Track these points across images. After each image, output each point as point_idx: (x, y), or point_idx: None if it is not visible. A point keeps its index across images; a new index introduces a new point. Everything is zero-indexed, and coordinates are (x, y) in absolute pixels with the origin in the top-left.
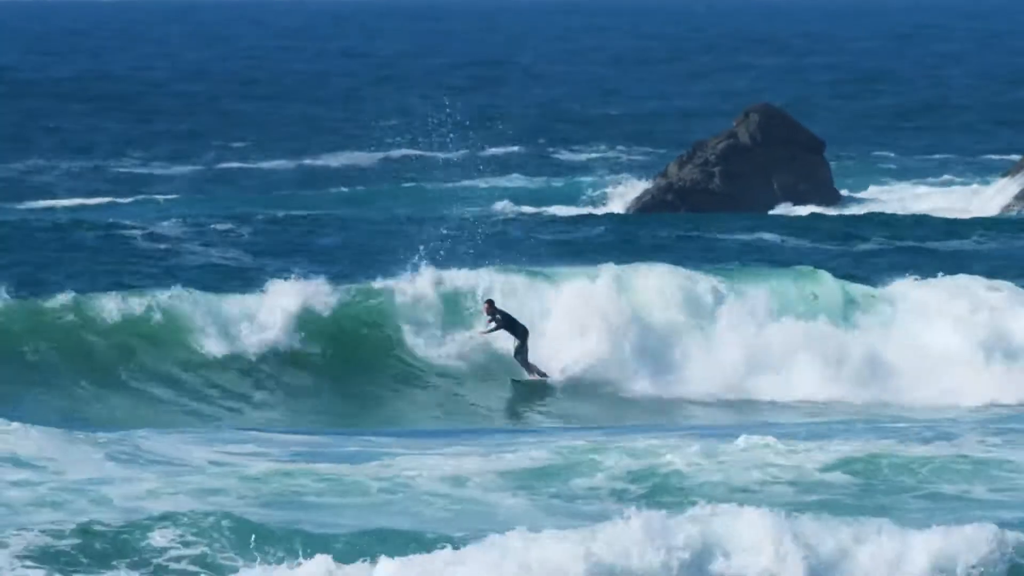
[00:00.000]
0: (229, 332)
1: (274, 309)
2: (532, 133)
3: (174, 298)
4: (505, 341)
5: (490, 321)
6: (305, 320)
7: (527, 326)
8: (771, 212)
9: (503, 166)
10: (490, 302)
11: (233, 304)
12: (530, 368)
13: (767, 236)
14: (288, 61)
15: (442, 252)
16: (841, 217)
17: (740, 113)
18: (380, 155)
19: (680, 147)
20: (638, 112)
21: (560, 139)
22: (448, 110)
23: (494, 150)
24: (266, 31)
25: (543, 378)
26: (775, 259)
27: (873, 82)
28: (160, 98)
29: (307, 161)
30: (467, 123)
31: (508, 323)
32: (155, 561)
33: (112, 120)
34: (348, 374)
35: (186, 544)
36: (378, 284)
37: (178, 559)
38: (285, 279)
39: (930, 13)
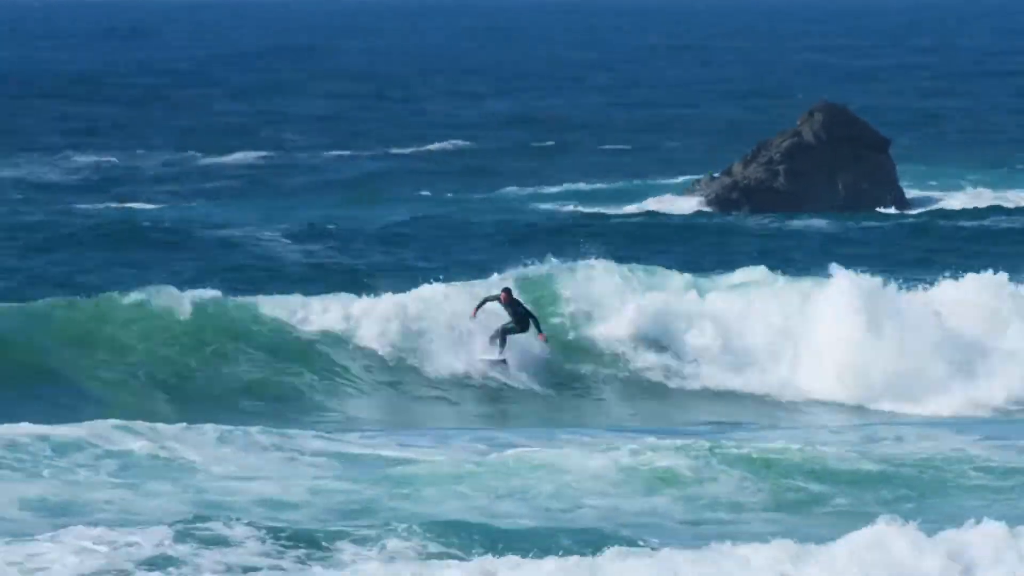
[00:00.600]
0: (346, 333)
1: (392, 309)
2: (581, 134)
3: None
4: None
5: (510, 304)
6: (426, 319)
7: (531, 324)
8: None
9: (557, 168)
10: (507, 290)
11: (341, 304)
12: (495, 348)
13: (860, 235)
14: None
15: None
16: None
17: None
18: (430, 155)
19: (731, 145)
20: (681, 112)
21: (610, 140)
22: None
23: (538, 149)
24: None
25: (500, 361)
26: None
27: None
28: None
29: (368, 159)
30: (510, 125)
31: (523, 313)
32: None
33: (178, 117)
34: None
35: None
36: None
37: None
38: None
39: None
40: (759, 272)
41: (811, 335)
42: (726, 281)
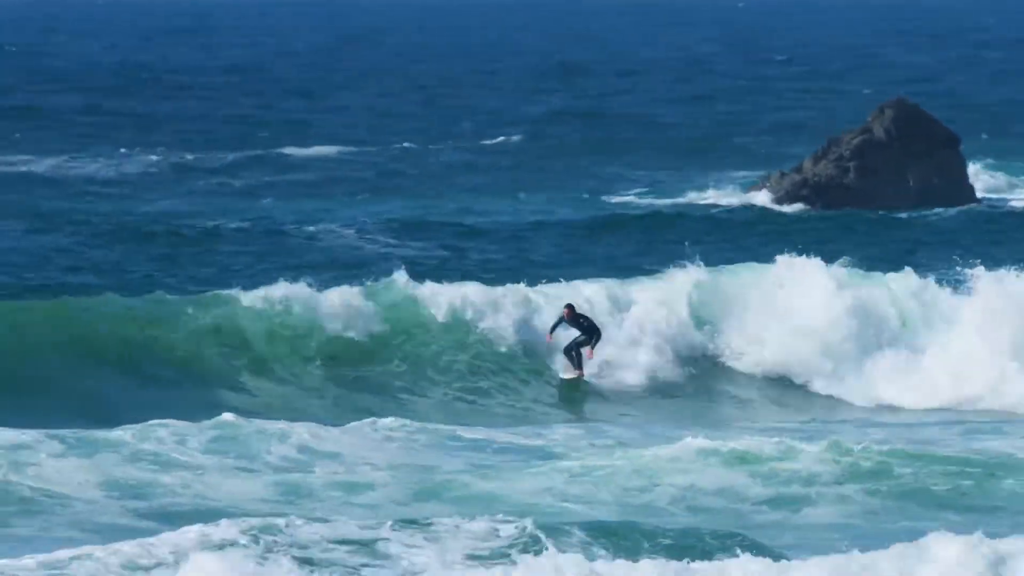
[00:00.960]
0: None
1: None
2: (647, 131)
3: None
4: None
5: (574, 320)
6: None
7: (601, 331)
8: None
9: (624, 164)
10: (570, 307)
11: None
12: (575, 364)
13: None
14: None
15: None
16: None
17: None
18: (496, 148)
19: (797, 141)
20: (744, 109)
21: (676, 136)
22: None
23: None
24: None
25: (577, 374)
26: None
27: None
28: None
29: (439, 152)
30: (574, 120)
31: (588, 327)
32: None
33: (243, 113)
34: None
35: None
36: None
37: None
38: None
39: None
40: (907, 273)
41: (961, 341)
42: (873, 281)
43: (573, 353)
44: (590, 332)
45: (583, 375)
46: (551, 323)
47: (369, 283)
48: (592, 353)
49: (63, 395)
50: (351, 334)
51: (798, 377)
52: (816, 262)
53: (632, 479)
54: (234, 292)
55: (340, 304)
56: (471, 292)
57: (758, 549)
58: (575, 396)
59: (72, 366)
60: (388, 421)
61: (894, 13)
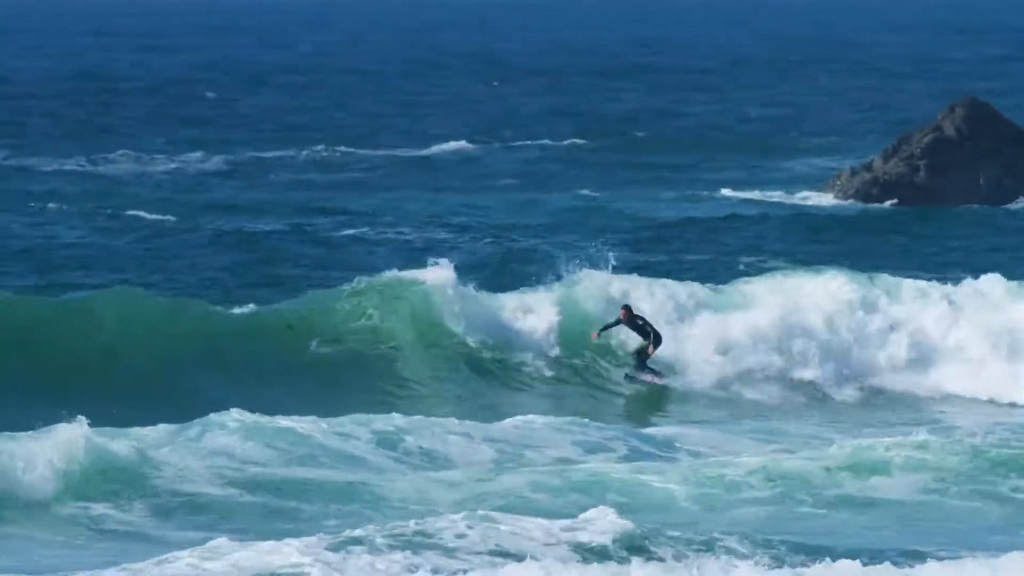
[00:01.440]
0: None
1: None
2: (717, 133)
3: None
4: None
5: (631, 321)
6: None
7: (661, 334)
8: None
9: (692, 165)
10: (627, 308)
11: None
12: (645, 371)
13: None
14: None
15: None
16: None
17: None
18: (571, 149)
19: (864, 138)
20: (809, 105)
21: (743, 135)
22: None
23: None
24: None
25: (660, 379)
26: None
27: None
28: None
29: (511, 150)
30: (647, 121)
31: (644, 328)
32: None
33: (316, 112)
34: None
35: None
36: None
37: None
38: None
39: None
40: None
41: None
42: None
43: (643, 365)
44: (647, 334)
45: (657, 376)
46: (603, 327)
47: (555, 282)
48: (653, 351)
49: (194, 389)
50: (495, 334)
51: (972, 390)
52: (996, 278)
53: (749, 478)
54: (383, 283)
55: (502, 305)
56: (631, 286)
57: (875, 555)
58: (719, 395)
59: (190, 364)
60: (533, 418)
61: (954, 11)
